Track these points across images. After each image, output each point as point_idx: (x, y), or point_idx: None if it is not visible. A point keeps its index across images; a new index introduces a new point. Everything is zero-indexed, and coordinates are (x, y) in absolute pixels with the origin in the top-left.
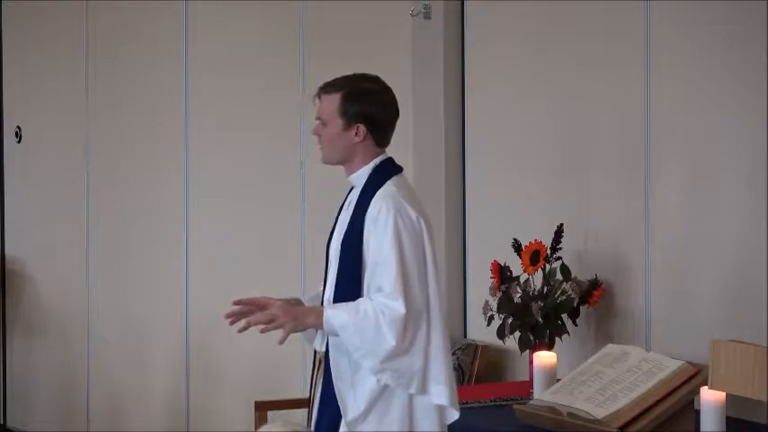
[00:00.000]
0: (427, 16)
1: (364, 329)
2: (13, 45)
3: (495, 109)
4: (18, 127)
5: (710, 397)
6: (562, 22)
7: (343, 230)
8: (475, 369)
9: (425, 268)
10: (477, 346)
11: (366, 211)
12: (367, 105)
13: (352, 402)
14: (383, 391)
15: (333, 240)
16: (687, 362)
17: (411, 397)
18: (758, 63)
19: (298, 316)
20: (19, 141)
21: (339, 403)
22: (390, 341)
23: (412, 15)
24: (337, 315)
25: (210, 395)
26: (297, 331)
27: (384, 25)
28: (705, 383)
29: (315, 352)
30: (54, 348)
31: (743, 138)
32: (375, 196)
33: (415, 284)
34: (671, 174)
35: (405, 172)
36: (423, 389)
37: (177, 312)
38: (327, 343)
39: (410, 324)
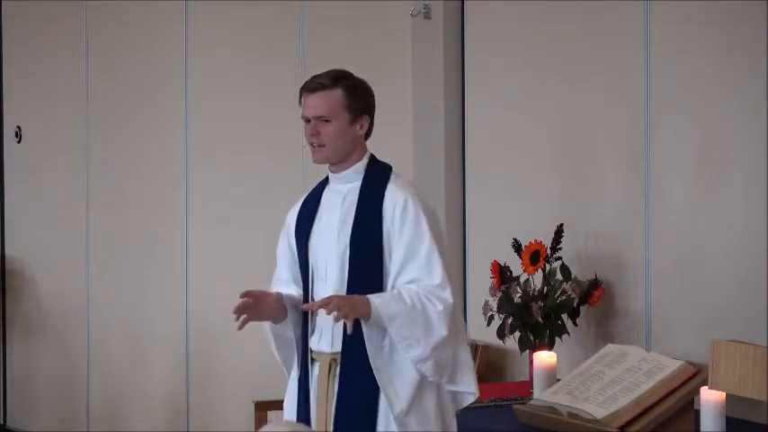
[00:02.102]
0: (427, 16)
1: (415, 319)
2: (13, 45)
3: (495, 109)
4: (18, 127)
5: (710, 397)
6: (562, 22)
7: (346, 228)
8: (475, 369)
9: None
10: (477, 346)
11: (380, 205)
12: (367, 98)
13: (394, 397)
14: (421, 384)
15: (324, 238)
16: (687, 362)
17: (438, 388)
18: (758, 63)
19: (356, 306)
20: (19, 141)
21: (380, 400)
22: (442, 331)
23: (412, 15)
24: (385, 305)
25: (210, 395)
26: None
27: (384, 25)
28: (705, 383)
29: (309, 352)
30: (54, 348)
31: (743, 137)
32: (389, 189)
33: (447, 271)
34: (671, 173)
35: (405, 172)
36: (452, 378)
37: (177, 312)
38: (345, 341)
39: (455, 313)
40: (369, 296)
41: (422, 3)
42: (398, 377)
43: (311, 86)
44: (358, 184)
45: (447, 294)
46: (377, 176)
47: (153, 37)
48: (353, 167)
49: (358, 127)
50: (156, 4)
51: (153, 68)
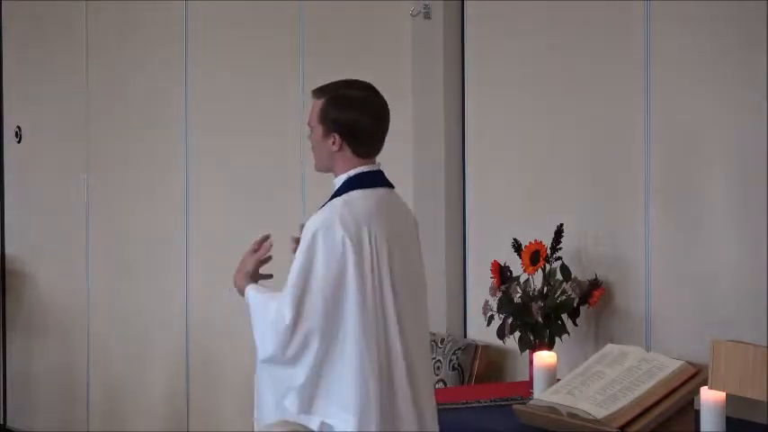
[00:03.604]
0: (427, 16)
1: (259, 324)
2: (13, 45)
3: (495, 109)
4: (18, 127)
5: (710, 397)
6: (562, 22)
7: None
8: (475, 369)
9: (342, 290)
10: (477, 346)
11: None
12: (345, 113)
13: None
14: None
15: None
16: (687, 362)
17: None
18: (758, 63)
19: (236, 279)
20: (19, 141)
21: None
22: (269, 346)
23: (412, 15)
24: (252, 298)
25: (210, 395)
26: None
27: (384, 25)
28: (705, 383)
29: None
30: (54, 348)
31: (743, 137)
32: (317, 210)
33: (313, 302)
34: (671, 173)
35: (405, 172)
36: (306, 408)
37: (177, 312)
38: None
39: (296, 338)
40: (255, 284)
41: (422, 3)
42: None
43: (312, 91)
44: None
45: (286, 314)
46: (334, 197)
47: (153, 37)
48: (333, 182)
49: (330, 142)
50: (157, 4)
51: (153, 68)
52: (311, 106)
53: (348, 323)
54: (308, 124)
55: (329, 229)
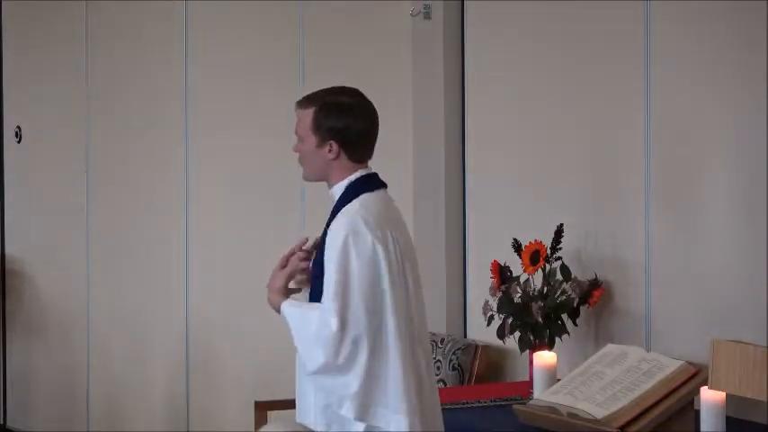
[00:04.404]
0: (427, 16)
1: (303, 338)
2: (13, 45)
3: (495, 109)
4: (18, 127)
5: (710, 397)
6: (562, 22)
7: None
8: (475, 369)
9: (381, 293)
10: (477, 346)
11: (325, 236)
12: (340, 120)
13: (312, 419)
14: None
15: None
16: (687, 362)
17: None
18: (758, 63)
19: (270, 298)
20: (19, 141)
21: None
22: (320, 356)
23: (412, 15)
24: (290, 314)
25: (210, 395)
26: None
27: (384, 25)
28: (705, 383)
29: None
30: (54, 348)
31: (743, 137)
32: (336, 217)
33: (356, 307)
34: (671, 173)
35: (404, 172)
36: (362, 415)
37: (177, 312)
38: None
39: (345, 345)
40: (290, 299)
41: (422, 3)
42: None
43: (297, 102)
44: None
45: (332, 323)
46: (343, 202)
47: (153, 36)
48: (332, 190)
49: (326, 150)
50: (157, 3)
51: (153, 68)
52: (298, 117)
53: (388, 325)
54: (297, 134)
55: (357, 233)
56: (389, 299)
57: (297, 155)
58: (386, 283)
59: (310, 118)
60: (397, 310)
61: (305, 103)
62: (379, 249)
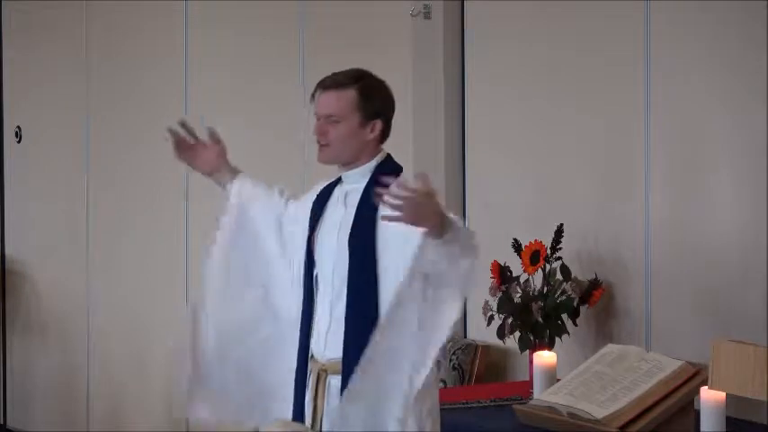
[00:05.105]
0: (427, 16)
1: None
2: (13, 45)
3: (495, 109)
4: (18, 127)
5: (710, 397)
6: (562, 22)
7: (344, 231)
8: (475, 369)
9: None
10: (477, 346)
11: (377, 211)
12: (382, 100)
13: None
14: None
15: (326, 239)
16: (687, 362)
17: (431, 396)
18: (758, 63)
19: (437, 202)
20: (19, 141)
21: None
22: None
23: (412, 15)
24: (453, 222)
25: None
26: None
27: (384, 25)
28: (705, 383)
29: (309, 358)
30: (54, 348)
31: (743, 137)
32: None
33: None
34: (671, 173)
35: (404, 172)
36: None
37: (177, 313)
38: (347, 344)
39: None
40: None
41: (422, 3)
42: (388, 394)
43: (326, 83)
44: (364, 185)
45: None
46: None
47: (153, 37)
48: (360, 169)
49: (369, 130)
50: (157, 3)
51: (153, 69)
52: (329, 98)
53: None
54: (332, 115)
55: None
56: None
57: (315, 138)
58: None
59: (353, 97)
60: None
61: (341, 83)
62: None
